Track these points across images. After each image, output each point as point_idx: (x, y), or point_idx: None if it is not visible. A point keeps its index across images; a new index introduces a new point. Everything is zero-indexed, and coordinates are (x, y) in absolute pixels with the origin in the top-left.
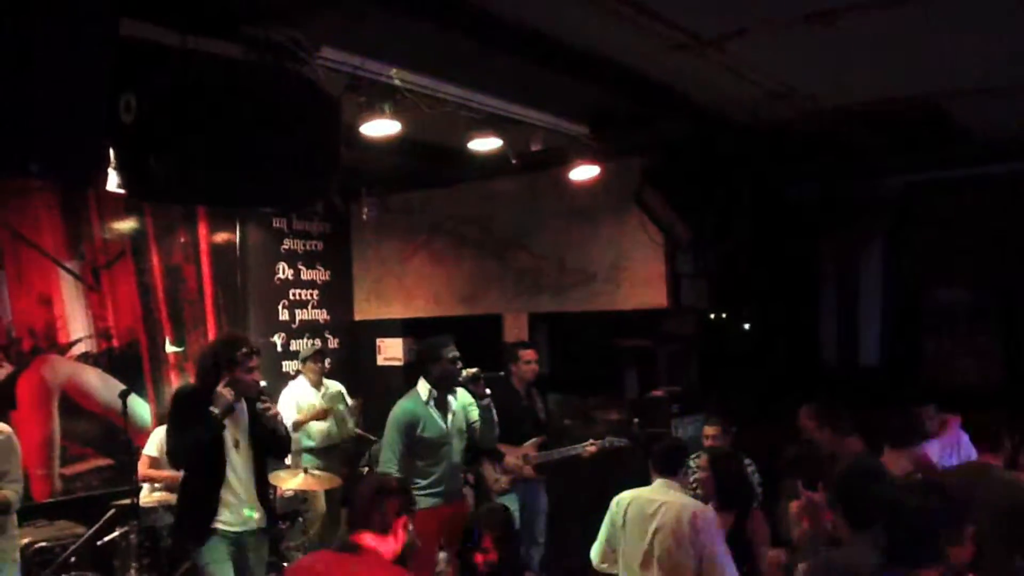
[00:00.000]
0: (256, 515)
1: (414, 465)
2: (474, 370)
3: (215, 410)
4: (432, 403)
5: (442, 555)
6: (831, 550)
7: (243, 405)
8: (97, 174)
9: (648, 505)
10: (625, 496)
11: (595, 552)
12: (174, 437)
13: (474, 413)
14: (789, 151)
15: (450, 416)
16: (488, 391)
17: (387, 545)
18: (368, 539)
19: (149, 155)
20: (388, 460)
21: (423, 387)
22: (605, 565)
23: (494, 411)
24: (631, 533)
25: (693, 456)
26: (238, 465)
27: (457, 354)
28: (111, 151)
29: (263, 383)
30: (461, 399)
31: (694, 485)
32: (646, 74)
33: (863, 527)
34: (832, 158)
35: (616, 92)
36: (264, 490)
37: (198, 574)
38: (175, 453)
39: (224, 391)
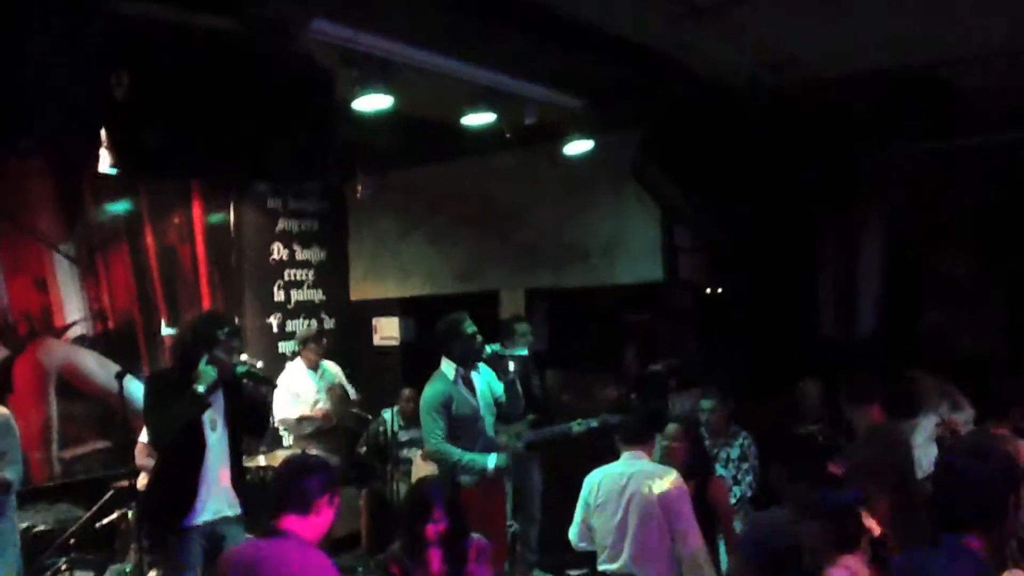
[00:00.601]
0: (228, 504)
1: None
2: (496, 347)
3: (200, 388)
4: (460, 381)
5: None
6: None
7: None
8: (92, 151)
9: (618, 480)
10: (595, 475)
11: (573, 533)
12: (157, 420)
13: (498, 387)
14: (788, 122)
15: (478, 393)
16: (511, 367)
17: (310, 526)
18: (290, 521)
19: (141, 130)
20: (438, 440)
21: (448, 366)
22: (584, 544)
23: (519, 386)
24: (605, 511)
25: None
26: (214, 449)
27: (475, 328)
28: (103, 129)
29: (259, 363)
30: (483, 374)
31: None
32: (643, 44)
33: None
34: (832, 129)
35: (613, 63)
36: (240, 474)
37: (174, 573)
38: (160, 436)
39: (208, 369)
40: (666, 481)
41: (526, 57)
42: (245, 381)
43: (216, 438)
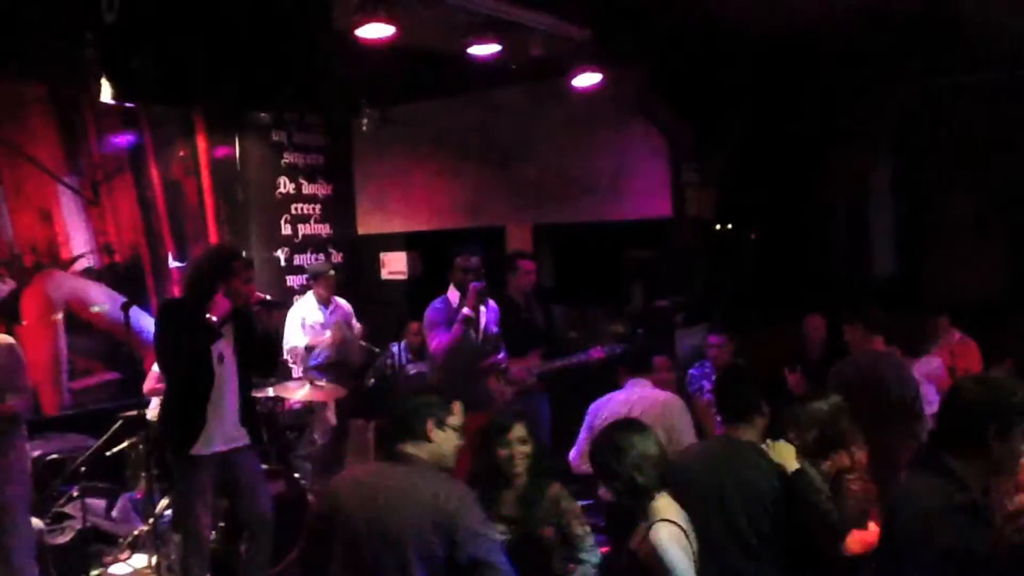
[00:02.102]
0: (237, 434)
1: None
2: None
3: (214, 318)
4: (460, 306)
5: None
6: None
7: None
8: (89, 79)
9: (623, 405)
10: (600, 401)
11: (573, 454)
12: (168, 348)
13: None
14: (796, 55)
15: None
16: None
17: (429, 450)
18: (409, 447)
19: (132, 54)
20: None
21: (452, 292)
22: (583, 466)
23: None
24: None
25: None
26: (223, 381)
27: (470, 265)
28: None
29: (267, 296)
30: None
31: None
32: None
33: None
34: (836, 61)
35: None
36: (248, 407)
37: (180, 499)
38: (169, 365)
39: (223, 300)
40: (669, 397)
41: None
42: (257, 309)
43: (224, 370)
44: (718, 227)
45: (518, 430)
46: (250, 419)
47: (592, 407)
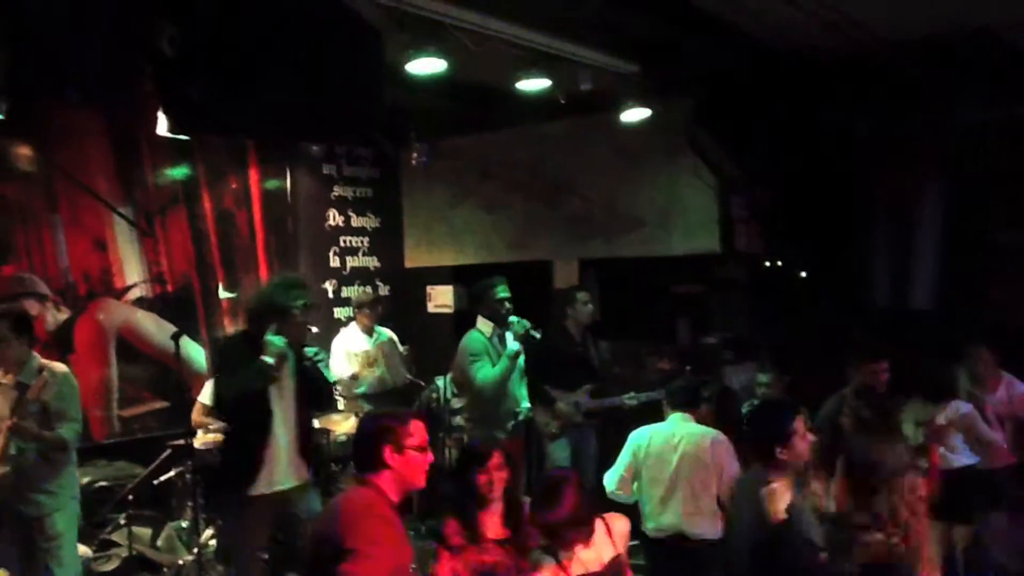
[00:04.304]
0: (296, 471)
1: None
2: (526, 323)
3: (268, 359)
4: (496, 338)
5: None
6: None
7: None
8: (146, 111)
9: (669, 438)
10: (644, 431)
11: (612, 479)
12: (224, 387)
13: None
14: (844, 86)
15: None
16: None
17: (389, 476)
18: (369, 475)
19: (189, 85)
20: (485, 372)
21: (484, 324)
22: (620, 492)
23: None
24: (654, 463)
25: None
26: (282, 416)
27: (504, 295)
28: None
29: (314, 329)
30: (514, 342)
31: None
32: (700, 6)
33: None
34: (889, 93)
35: (667, 25)
36: (307, 442)
37: (233, 536)
38: (223, 402)
39: (276, 340)
40: (717, 435)
41: (579, 20)
42: (305, 352)
43: (284, 406)
44: (767, 263)
45: (496, 458)
46: (308, 455)
47: (634, 435)
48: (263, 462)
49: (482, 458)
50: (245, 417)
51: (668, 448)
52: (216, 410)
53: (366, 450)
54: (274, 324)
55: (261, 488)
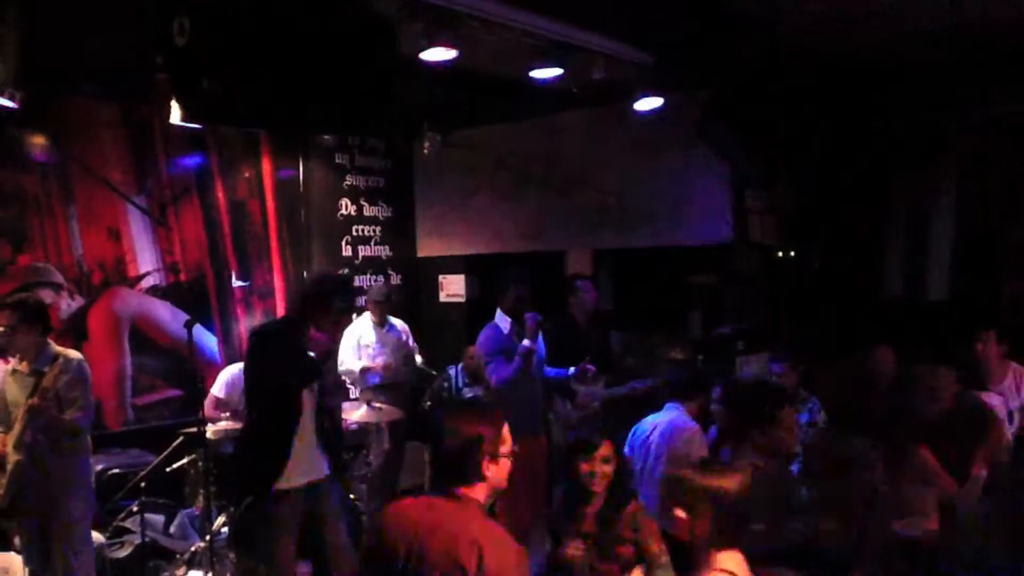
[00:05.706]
0: (320, 465)
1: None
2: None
3: (314, 355)
4: (514, 334)
5: None
6: None
7: None
8: (159, 100)
9: (648, 429)
10: (643, 421)
11: None
12: (262, 382)
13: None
14: (861, 81)
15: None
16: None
17: (483, 488)
18: (463, 490)
19: (202, 76)
20: (500, 373)
21: (501, 319)
22: None
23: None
24: (637, 456)
25: None
26: (308, 413)
27: (521, 292)
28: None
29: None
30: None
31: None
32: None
33: None
34: (906, 89)
35: (683, 15)
36: (329, 436)
37: (264, 532)
38: (263, 400)
39: (320, 336)
40: (687, 425)
41: (594, 8)
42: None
43: (308, 401)
44: (781, 253)
45: (604, 449)
46: (331, 448)
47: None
48: (289, 457)
49: (591, 448)
50: (279, 408)
51: (642, 437)
52: (249, 404)
53: (462, 463)
54: (316, 320)
55: (294, 480)
